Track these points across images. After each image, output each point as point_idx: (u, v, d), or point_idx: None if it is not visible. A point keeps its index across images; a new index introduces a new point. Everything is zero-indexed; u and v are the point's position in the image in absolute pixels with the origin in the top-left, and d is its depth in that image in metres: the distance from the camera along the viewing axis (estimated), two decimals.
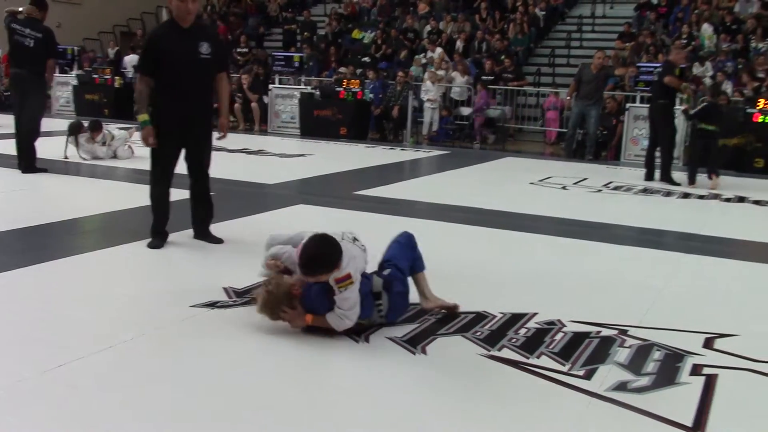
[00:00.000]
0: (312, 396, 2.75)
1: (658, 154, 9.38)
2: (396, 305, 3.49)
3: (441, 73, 14.14)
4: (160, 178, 4.96)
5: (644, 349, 3.34)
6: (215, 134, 5.09)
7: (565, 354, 3.24)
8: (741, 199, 8.06)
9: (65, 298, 3.76)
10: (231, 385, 2.80)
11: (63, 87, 16.72)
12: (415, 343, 3.30)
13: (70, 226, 5.50)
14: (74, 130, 8.95)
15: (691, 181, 8.87)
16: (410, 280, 3.64)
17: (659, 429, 2.60)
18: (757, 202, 7.89)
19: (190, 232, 5.28)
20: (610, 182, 8.95)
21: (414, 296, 3.65)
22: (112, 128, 9.41)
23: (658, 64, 11.88)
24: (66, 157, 8.81)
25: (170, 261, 4.60)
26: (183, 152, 4.97)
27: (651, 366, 3.16)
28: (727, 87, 12.50)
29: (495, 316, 3.69)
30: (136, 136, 9.05)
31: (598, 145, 11.92)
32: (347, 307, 3.22)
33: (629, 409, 2.74)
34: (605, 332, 3.54)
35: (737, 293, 4.43)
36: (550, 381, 2.97)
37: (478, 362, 3.13)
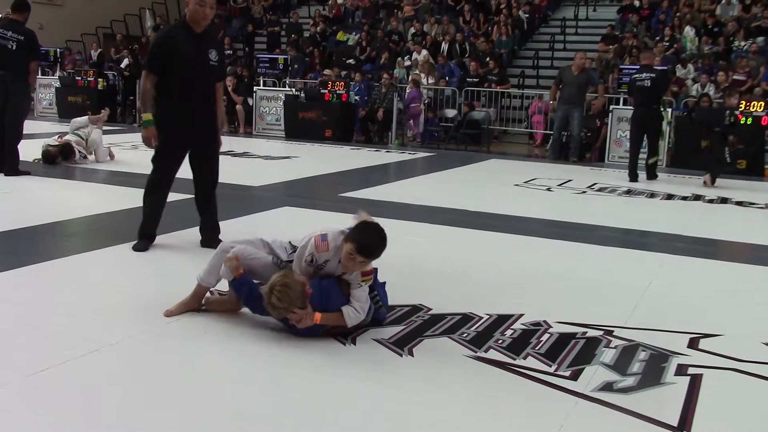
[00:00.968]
0: (298, 399, 2.74)
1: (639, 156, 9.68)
2: (384, 297, 3.57)
3: (422, 75, 14.15)
4: (161, 180, 4.83)
5: (630, 350, 3.36)
6: None
7: (551, 355, 3.25)
8: (724, 200, 8.13)
9: (48, 301, 3.72)
10: (215, 389, 2.78)
11: (46, 89, 16.61)
12: (401, 344, 3.30)
13: (54, 229, 5.45)
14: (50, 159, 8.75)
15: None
16: None
17: (645, 429, 2.61)
18: (739, 203, 7.96)
19: (176, 234, 5.25)
20: (595, 184, 9.00)
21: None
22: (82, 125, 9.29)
23: (633, 67, 11.97)
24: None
25: (155, 263, 4.56)
26: (187, 158, 4.86)
27: (636, 366, 3.17)
28: (710, 89, 12.61)
29: (481, 318, 3.69)
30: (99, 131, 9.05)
31: (582, 146, 11.98)
32: (364, 300, 3.32)
33: (615, 409, 2.75)
34: (591, 333, 3.55)
35: (721, 294, 4.46)
36: (536, 382, 2.97)
37: (465, 364, 3.14)
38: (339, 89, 13.55)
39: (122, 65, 16.64)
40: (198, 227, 5.04)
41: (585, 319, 3.74)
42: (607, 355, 3.28)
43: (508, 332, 3.52)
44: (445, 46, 16.20)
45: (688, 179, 9.98)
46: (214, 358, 3.03)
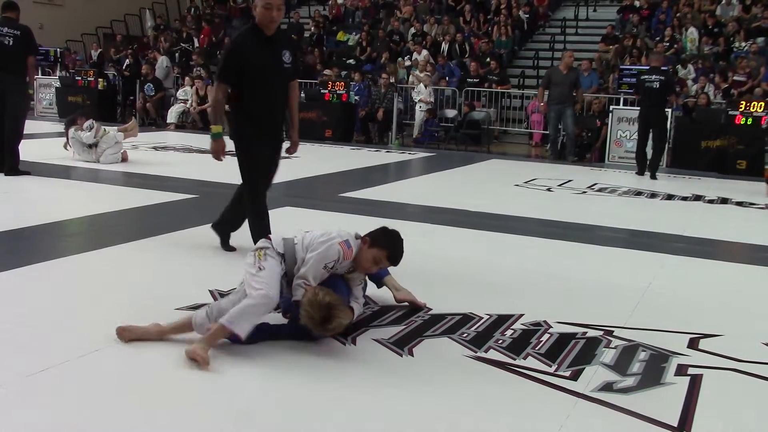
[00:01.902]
0: (298, 399, 2.74)
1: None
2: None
3: (425, 75, 14.17)
4: (262, 190, 4.65)
5: (630, 350, 3.35)
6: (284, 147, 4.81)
7: (551, 355, 3.25)
8: (724, 201, 8.13)
9: (48, 301, 3.72)
10: (215, 389, 2.78)
11: (46, 89, 16.61)
12: (402, 344, 3.30)
13: (53, 229, 5.45)
14: (70, 123, 8.96)
15: None
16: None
17: (645, 429, 2.61)
18: (739, 204, 7.96)
19: (176, 234, 5.24)
20: (595, 184, 9.00)
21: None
22: (111, 130, 9.31)
23: (641, 67, 11.99)
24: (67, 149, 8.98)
25: (155, 264, 4.56)
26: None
27: (636, 366, 3.17)
28: (709, 90, 12.63)
29: (481, 318, 3.69)
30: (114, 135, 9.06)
31: (582, 147, 11.98)
32: (361, 297, 3.51)
33: (615, 409, 2.75)
34: (591, 333, 3.55)
35: (721, 294, 4.46)
36: (536, 382, 2.97)
37: (465, 364, 3.13)
38: (339, 89, 13.55)
39: (123, 66, 16.65)
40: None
41: (585, 319, 3.74)
42: (607, 355, 3.28)
43: (508, 332, 3.52)
44: (445, 46, 16.20)
45: (688, 180, 9.98)
46: (214, 358, 3.02)
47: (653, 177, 9.89)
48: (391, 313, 3.69)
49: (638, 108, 10.62)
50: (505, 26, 16.64)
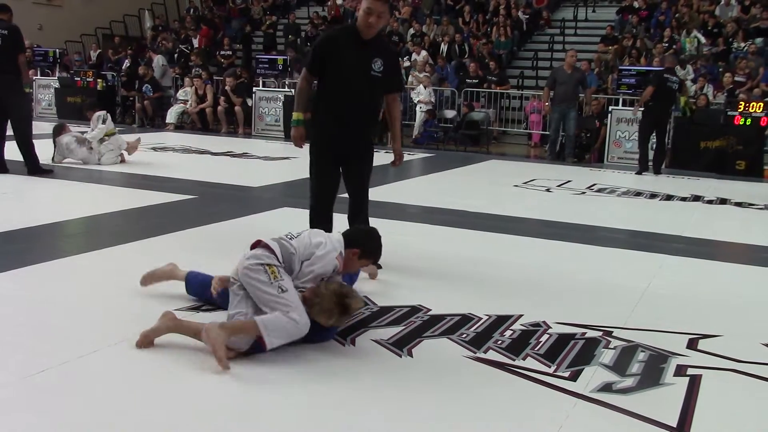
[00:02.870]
0: (297, 400, 2.74)
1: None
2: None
3: (424, 76, 14.17)
4: (316, 196, 4.49)
5: (629, 350, 3.36)
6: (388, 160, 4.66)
7: (550, 355, 3.25)
8: (723, 201, 8.13)
9: (48, 302, 3.72)
10: (215, 389, 2.78)
11: (45, 90, 16.61)
12: (401, 345, 3.30)
13: (53, 229, 5.45)
14: (58, 131, 8.92)
15: None
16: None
17: (644, 429, 2.61)
18: (738, 204, 7.97)
19: (174, 234, 5.24)
20: (594, 184, 9.00)
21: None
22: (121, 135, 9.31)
23: (641, 67, 12.00)
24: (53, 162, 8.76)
25: (155, 265, 4.54)
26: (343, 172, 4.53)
27: (636, 367, 3.17)
28: (708, 90, 12.63)
29: (480, 318, 3.69)
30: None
31: (581, 147, 11.98)
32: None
33: (614, 410, 2.75)
34: (590, 334, 3.55)
35: (720, 294, 4.46)
36: (535, 382, 2.97)
37: (464, 364, 3.14)
38: None
39: (122, 66, 16.63)
40: None
41: (584, 319, 3.74)
42: (607, 355, 3.29)
43: (508, 333, 3.52)
44: (444, 47, 16.20)
45: (688, 180, 9.98)
46: (213, 360, 3.02)
47: (658, 173, 10.25)
48: (391, 314, 3.69)
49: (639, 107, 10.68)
50: (504, 27, 16.65)
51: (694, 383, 3.03)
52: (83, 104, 9.42)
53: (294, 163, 10.26)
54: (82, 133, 9.07)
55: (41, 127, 13.02)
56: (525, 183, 8.83)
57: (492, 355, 3.23)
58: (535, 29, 17.82)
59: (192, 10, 21.53)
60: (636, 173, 10.30)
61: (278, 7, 21.11)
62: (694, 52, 14.69)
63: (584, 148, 12.05)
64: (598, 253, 5.41)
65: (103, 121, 8.92)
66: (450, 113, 14.05)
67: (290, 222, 5.93)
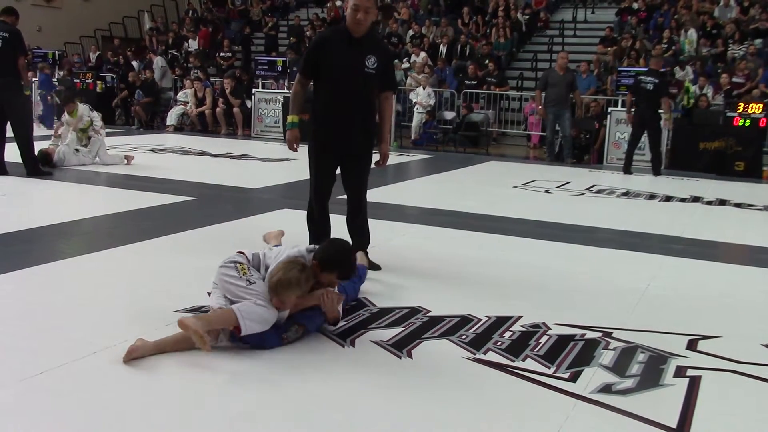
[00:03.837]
0: (297, 401, 2.74)
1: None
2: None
3: (423, 77, 14.17)
4: (313, 194, 4.55)
5: (628, 351, 3.35)
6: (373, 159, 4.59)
7: (550, 357, 3.25)
8: (722, 202, 8.13)
9: (47, 304, 3.71)
10: (214, 391, 2.78)
11: None
12: (400, 346, 3.29)
13: (52, 231, 5.44)
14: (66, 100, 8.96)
15: None
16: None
17: (644, 430, 2.61)
18: (738, 205, 7.97)
19: (172, 237, 5.24)
20: (593, 185, 9.00)
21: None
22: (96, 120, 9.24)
23: (640, 68, 12.00)
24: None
25: (154, 266, 4.55)
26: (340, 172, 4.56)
27: (635, 368, 3.17)
28: (708, 91, 12.63)
29: (480, 320, 3.69)
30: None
31: (580, 148, 11.99)
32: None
33: (614, 411, 2.75)
34: (590, 335, 3.55)
35: (719, 295, 4.46)
36: (535, 384, 2.97)
37: (464, 366, 3.13)
38: None
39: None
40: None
41: (584, 320, 3.74)
42: (606, 356, 3.28)
43: (507, 334, 3.52)
44: (443, 49, 16.20)
45: (687, 181, 9.99)
46: (213, 360, 3.02)
47: (658, 174, 10.36)
48: (390, 315, 3.69)
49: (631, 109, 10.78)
50: (504, 28, 16.65)
51: (694, 384, 3.03)
52: (60, 97, 9.41)
53: (293, 164, 10.26)
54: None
55: (40, 128, 13.03)
56: (524, 184, 8.84)
57: (491, 356, 3.23)
58: (535, 30, 17.83)
59: (191, 12, 21.54)
60: (623, 173, 10.45)
61: (277, 9, 21.12)
62: (693, 53, 14.70)
63: (583, 149, 12.06)
64: (598, 254, 5.40)
65: (88, 115, 8.97)
66: (449, 114, 14.05)
67: (290, 223, 5.94)
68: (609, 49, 15.06)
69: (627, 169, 10.46)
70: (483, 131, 13.61)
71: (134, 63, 17.24)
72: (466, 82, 14.32)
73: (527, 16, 17.65)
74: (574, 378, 3.03)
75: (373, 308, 3.80)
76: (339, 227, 4.59)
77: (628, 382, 3.01)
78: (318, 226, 4.56)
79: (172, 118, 14.87)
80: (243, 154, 11.02)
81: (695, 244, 5.83)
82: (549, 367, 3.13)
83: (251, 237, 4.81)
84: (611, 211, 7.34)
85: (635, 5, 16.94)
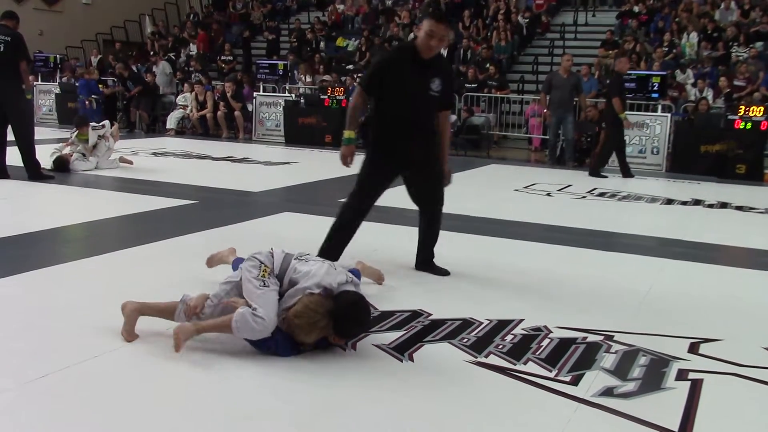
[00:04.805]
0: (299, 404, 2.74)
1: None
2: None
3: None
4: (356, 208, 4.52)
5: (630, 355, 3.35)
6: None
7: (551, 360, 3.24)
8: (724, 205, 8.12)
9: (48, 308, 3.71)
10: (217, 394, 2.78)
11: (46, 95, 16.62)
12: (402, 350, 3.29)
13: (53, 235, 5.45)
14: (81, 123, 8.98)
15: None
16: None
17: None
18: (739, 208, 7.96)
19: (174, 240, 5.24)
20: (594, 189, 9.00)
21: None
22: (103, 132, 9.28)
23: (641, 72, 12.02)
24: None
25: (154, 269, 4.56)
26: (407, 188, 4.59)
27: (637, 371, 3.17)
28: (708, 94, 12.64)
29: (481, 323, 3.69)
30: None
31: (582, 152, 11.98)
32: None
33: (616, 414, 2.74)
34: (591, 338, 3.55)
35: (721, 298, 4.45)
36: (537, 387, 2.97)
37: (465, 369, 3.13)
38: (338, 95, 13.57)
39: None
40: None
41: (585, 324, 3.73)
42: (608, 360, 3.28)
43: (509, 337, 3.51)
44: (444, 52, 16.21)
45: (688, 184, 9.99)
46: (215, 363, 3.02)
47: (593, 175, 10.18)
48: (391, 319, 3.69)
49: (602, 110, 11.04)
50: (504, 31, 16.67)
51: (696, 387, 3.03)
52: (74, 120, 9.52)
53: (295, 167, 10.28)
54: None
55: (42, 132, 13.05)
56: (525, 187, 8.84)
57: (493, 359, 3.23)
58: (535, 34, 17.85)
59: (192, 16, 21.57)
60: (623, 176, 10.35)
61: (278, 13, 21.15)
62: (694, 56, 14.70)
63: (584, 152, 12.05)
64: (599, 257, 5.40)
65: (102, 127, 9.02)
66: (450, 118, 14.04)
67: (291, 226, 5.95)
68: (610, 52, 15.07)
69: (626, 173, 10.32)
70: (484, 134, 13.60)
71: (135, 66, 17.22)
72: (467, 85, 14.33)
73: (528, 20, 17.67)
74: (575, 381, 3.03)
75: (374, 312, 3.79)
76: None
77: (630, 386, 3.01)
78: (341, 241, 4.50)
79: (171, 121, 14.88)
80: (244, 157, 11.03)
81: (696, 247, 5.83)
82: (551, 371, 3.12)
83: (253, 240, 4.81)
84: (612, 214, 7.34)
85: (636, 8, 16.96)
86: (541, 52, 16.86)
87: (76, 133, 8.95)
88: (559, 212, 7.28)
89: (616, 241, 6.01)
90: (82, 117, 9.47)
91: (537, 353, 3.32)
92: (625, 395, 2.91)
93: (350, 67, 16.69)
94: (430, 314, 3.79)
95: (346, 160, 4.41)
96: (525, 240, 5.80)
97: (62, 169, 8.47)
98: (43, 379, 2.82)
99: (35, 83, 15.93)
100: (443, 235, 5.86)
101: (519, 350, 3.35)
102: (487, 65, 14.95)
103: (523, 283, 4.57)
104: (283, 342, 3.15)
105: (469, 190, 8.92)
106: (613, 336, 3.58)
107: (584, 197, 8.36)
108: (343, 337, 3.22)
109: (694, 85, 13.31)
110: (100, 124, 9.24)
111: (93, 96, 15.00)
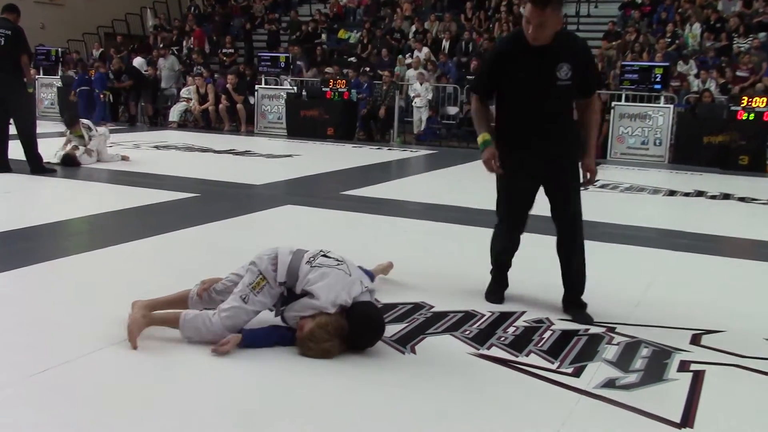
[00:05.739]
0: (301, 397, 2.74)
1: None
2: None
3: (418, 73, 14.13)
4: (503, 220, 4.13)
5: (632, 346, 3.35)
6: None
7: (553, 352, 3.25)
8: (726, 197, 8.11)
9: (49, 302, 3.72)
10: (217, 389, 2.78)
11: (47, 89, 16.62)
12: (404, 342, 3.29)
13: (55, 229, 5.45)
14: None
15: None
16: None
17: (648, 425, 2.61)
18: (741, 199, 7.95)
19: (178, 233, 5.24)
20: (597, 180, 8.96)
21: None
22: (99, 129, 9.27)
23: (643, 63, 11.98)
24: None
25: (156, 263, 4.56)
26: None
27: (639, 363, 3.17)
28: (711, 85, 12.60)
29: (484, 315, 3.69)
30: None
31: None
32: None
33: (618, 405, 2.74)
34: (593, 330, 3.55)
35: (723, 289, 4.45)
36: (539, 379, 2.97)
37: (468, 361, 3.13)
38: (340, 87, 13.55)
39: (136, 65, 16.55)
40: None
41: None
42: (610, 351, 3.28)
43: (511, 329, 3.52)
44: (446, 44, 16.18)
45: (690, 175, 9.97)
46: (215, 358, 3.02)
47: None
48: (393, 311, 3.69)
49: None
50: (507, 23, 16.61)
51: (698, 379, 3.03)
52: (64, 119, 9.50)
53: (297, 160, 10.28)
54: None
55: (44, 126, 13.04)
56: None
57: (495, 351, 3.23)
58: None
59: (193, 9, 21.52)
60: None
61: (279, 5, 21.10)
62: (697, 47, 14.65)
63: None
64: (601, 249, 5.38)
65: (89, 129, 8.98)
66: (452, 110, 14.02)
67: (293, 220, 5.95)
68: (613, 43, 15.02)
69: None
70: None
71: (137, 60, 17.17)
72: (469, 77, 14.29)
73: None
74: (577, 373, 3.03)
75: (376, 304, 3.79)
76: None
77: (632, 377, 3.01)
78: (503, 257, 4.15)
79: (174, 114, 14.88)
80: (246, 150, 11.02)
81: (699, 239, 5.82)
82: (553, 363, 3.12)
83: (255, 233, 4.81)
84: (615, 206, 7.33)
85: None
86: None
87: (69, 132, 8.94)
88: None
89: (617, 232, 6.00)
90: (71, 117, 9.41)
91: (539, 345, 3.32)
92: (627, 387, 2.92)
93: (352, 59, 16.65)
94: (432, 306, 3.79)
95: (491, 164, 3.80)
96: (526, 232, 5.77)
97: (71, 164, 8.48)
98: (45, 373, 2.83)
99: (37, 76, 15.92)
100: (445, 227, 5.88)
101: (521, 342, 3.35)
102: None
103: (525, 275, 4.55)
104: (287, 338, 3.17)
105: (471, 182, 8.91)
106: (614, 328, 3.58)
107: (586, 189, 8.32)
108: (357, 350, 3.16)
109: (696, 76, 13.26)
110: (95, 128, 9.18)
111: (105, 90, 15.00)
